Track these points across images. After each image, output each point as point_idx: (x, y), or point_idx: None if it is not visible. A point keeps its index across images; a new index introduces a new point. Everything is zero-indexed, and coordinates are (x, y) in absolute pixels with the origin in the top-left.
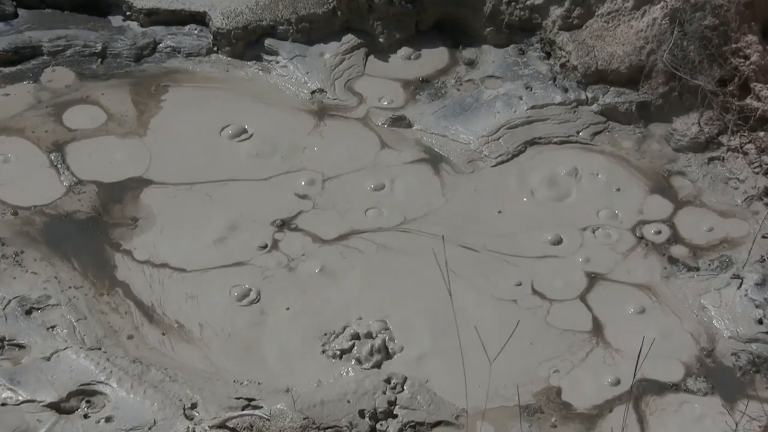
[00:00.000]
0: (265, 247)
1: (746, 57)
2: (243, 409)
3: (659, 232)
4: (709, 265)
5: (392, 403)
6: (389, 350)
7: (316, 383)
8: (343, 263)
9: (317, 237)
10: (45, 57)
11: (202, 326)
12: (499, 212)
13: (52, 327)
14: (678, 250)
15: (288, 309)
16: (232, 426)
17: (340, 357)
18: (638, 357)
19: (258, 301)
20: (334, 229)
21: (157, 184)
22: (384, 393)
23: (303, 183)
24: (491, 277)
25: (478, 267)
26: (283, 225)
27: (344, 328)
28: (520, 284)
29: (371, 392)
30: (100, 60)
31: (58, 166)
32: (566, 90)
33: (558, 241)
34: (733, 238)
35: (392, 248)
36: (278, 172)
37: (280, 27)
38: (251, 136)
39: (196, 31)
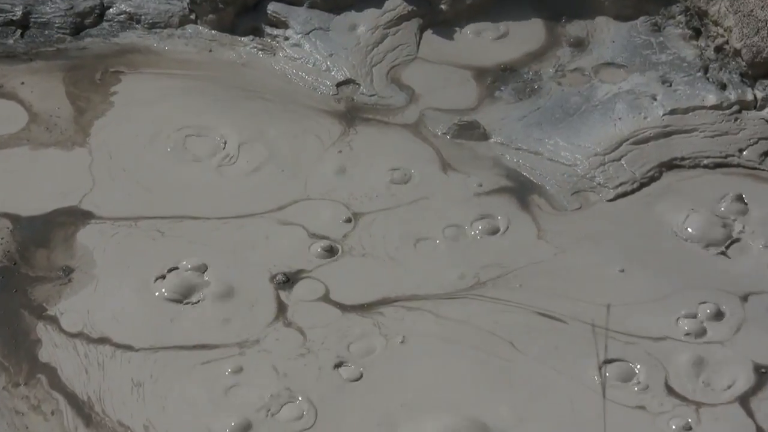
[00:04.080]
0: (268, 316)
1: None
2: None
3: None
4: None
5: None
6: None
7: None
8: (378, 341)
9: (339, 303)
10: None
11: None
12: (622, 270)
13: None
14: None
15: (276, 414)
16: None
17: None
18: None
19: (242, 399)
20: (365, 290)
21: (98, 219)
22: None
23: (321, 221)
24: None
25: (580, 352)
26: (287, 282)
27: None
28: (646, 378)
29: None
30: (19, 32)
31: None
32: (724, 86)
33: (709, 315)
34: None
35: (454, 320)
36: (282, 202)
37: None
38: (243, 148)
39: None
